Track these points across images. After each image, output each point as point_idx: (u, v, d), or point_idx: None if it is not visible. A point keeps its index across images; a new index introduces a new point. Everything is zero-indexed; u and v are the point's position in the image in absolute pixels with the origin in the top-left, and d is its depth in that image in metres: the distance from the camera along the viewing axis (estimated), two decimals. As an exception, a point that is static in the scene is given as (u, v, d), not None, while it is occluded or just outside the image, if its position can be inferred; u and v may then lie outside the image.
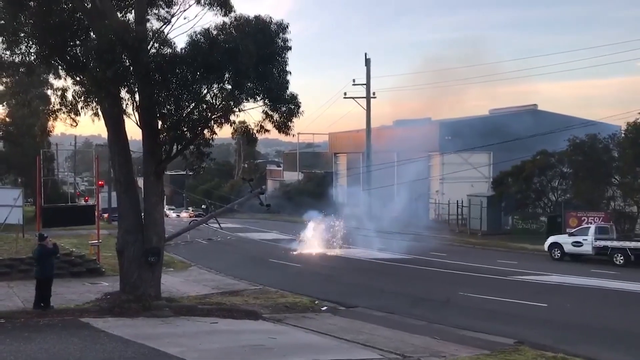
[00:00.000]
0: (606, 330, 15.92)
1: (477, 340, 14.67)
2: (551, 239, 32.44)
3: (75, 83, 16.58)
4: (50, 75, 18.64)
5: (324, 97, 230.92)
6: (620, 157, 36.97)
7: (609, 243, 29.86)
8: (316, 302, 19.25)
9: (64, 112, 16.71)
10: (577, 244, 30.72)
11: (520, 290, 21.68)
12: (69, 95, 16.65)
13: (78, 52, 16.32)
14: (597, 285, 23.14)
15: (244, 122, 16.89)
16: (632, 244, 29.43)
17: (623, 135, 37.47)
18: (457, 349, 13.77)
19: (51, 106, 17.63)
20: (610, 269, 27.45)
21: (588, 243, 30.36)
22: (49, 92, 44.05)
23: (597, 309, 18.89)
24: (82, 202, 50.19)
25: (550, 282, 24.14)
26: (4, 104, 50.88)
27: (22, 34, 15.75)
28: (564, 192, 41.24)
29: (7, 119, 51.25)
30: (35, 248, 16.17)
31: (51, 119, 17.67)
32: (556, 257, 31.38)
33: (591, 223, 33.75)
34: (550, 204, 41.49)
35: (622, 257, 29.01)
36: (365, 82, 48.98)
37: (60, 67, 16.84)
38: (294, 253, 33.21)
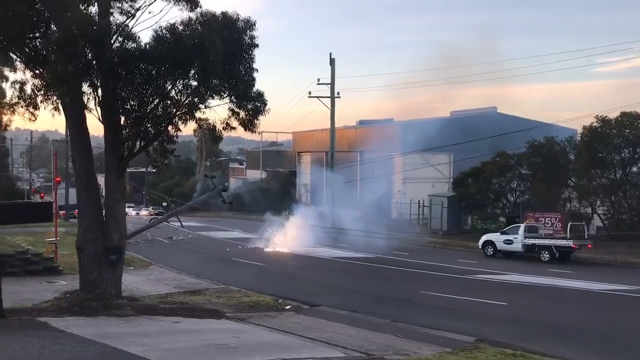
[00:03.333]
0: (563, 327, 16.38)
1: (438, 338, 14.90)
2: (485, 237, 34.00)
3: (35, 76, 16.11)
4: (6, 67, 18.04)
5: (289, 96, 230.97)
6: (577, 159, 38.05)
7: (536, 241, 31.54)
8: (280, 301, 19.23)
9: (22, 106, 16.23)
10: (509, 241, 32.29)
11: (480, 289, 22.12)
12: (28, 89, 16.18)
13: (38, 44, 15.89)
14: (554, 284, 23.78)
15: (206, 120, 16.71)
16: (557, 242, 31.21)
17: (579, 138, 38.57)
18: (419, 346, 13.96)
19: (8, 100, 17.09)
20: (567, 268, 28.27)
21: (518, 241, 31.94)
22: (4, 85, 42.91)
23: (554, 307, 19.42)
24: (38, 199, 48.93)
25: (510, 281, 24.70)
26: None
27: (-22, 25, 15.22)
28: (522, 193, 42.19)
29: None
30: None
31: (8, 113, 17.13)
32: (489, 254, 32.92)
33: (548, 223, 34.73)
34: (509, 205, 42.41)
35: (547, 254, 30.84)
36: (330, 82, 49.10)
37: (18, 59, 16.36)
38: (257, 252, 33.09)
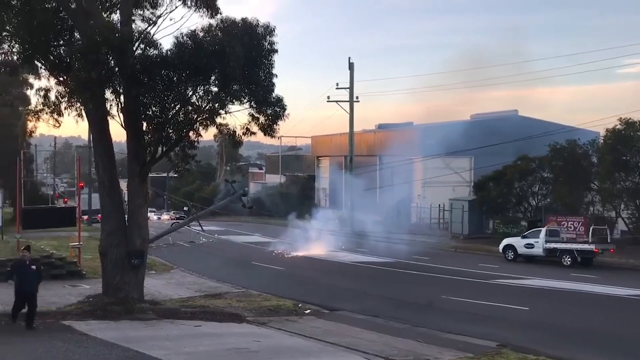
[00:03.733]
0: (587, 333, 16.16)
1: (460, 343, 14.80)
2: (505, 241, 33.63)
3: (59, 83, 16.41)
4: (32, 75, 18.40)
5: (307, 101, 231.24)
6: (600, 162, 37.53)
7: (558, 245, 31.17)
8: (299, 305, 19.26)
9: (47, 113, 16.53)
10: (530, 245, 31.92)
11: (502, 294, 21.91)
12: (52, 96, 16.50)
13: (62, 52, 16.18)
14: (577, 289, 23.44)
15: (226, 125, 16.84)
16: (579, 246, 30.78)
17: (602, 141, 38.04)
18: (440, 351, 13.88)
19: (34, 107, 17.43)
20: (590, 272, 27.88)
21: (539, 245, 31.54)
22: (29, 92, 43.72)
23: (578, 312, 19.17)
24: (62, 204, 49.63)
25: (532, 285, 24.42)
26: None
27: (5, 33, 15.55)
28: (544, 196, 41.70)
29: (-15, 119, 50.56)
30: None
31: (34, 119, 17.48)
32: (510, 258, 32.55)
33: (571, 227, 34.28)
34: (531, 209, 41.95)
35: (569, 258, 30.41)
36: (348, 86, 49.13)
37: (43, 67, 16.67)
38: (277, 256, 33.16)
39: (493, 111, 56.02)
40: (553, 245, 31.22)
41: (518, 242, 32.65)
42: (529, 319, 17.78)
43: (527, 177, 41.27)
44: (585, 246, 30.53)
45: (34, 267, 14.33)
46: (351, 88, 49.11)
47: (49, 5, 16.20)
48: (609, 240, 31.69)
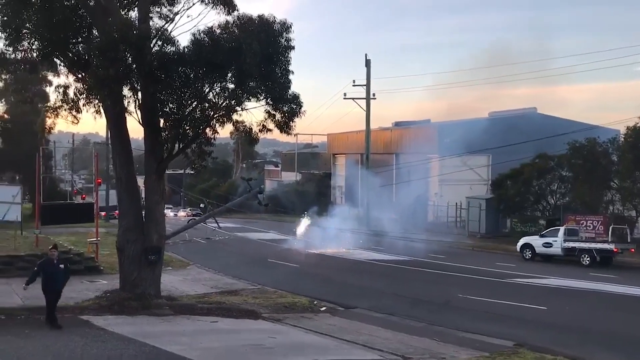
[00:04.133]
0: (605, 333, 15.94)
1: (476, 342, 14.69)
2: (523, 240, 33.39)
3: (77, 80, 16.56)
4: (50, 72, 18.58)
5: (323, 98, 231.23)
6: (620, 161, 37.01)
7: (576, 244, 30.87)
8: (315, 302, 19.24)
9: (65, 109, 16.69)
10: (548, 245, 31.70)
11: (519, 293, 21.70)
12: (71, 93, 16.65)
13: (80, 49, 16.31)
14: (596, 288, 23.16)
15: (243, 122, 16.87)
16: (598, 245, 30.46)
17: (622, 139, 37.50)
18: (456, 350, 13.78)
19: (52, 103, 17.62)
20: (610, 272, 27.54)
21: (558, 244, 31.33)
22: (48, 89, 44.22)
23: (596, 312, 18.94)
24: (80, 200, 50.12)
25: (550, 285, 24.18)
26: (3, 100, 50.88)
27: (25, 31, 15.71)
28: (562, 195, 41.26)
29: (6, 116, 51.22)
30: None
31: (52, 116, 17.65)
32: (527, 257, 32.32)
33: (590, 227, 33.87)
34: (549, 207, 41.53)
35: (588, 258, 30.11)
36: (365, 83, 48.98)
37: (62, 64, 16.83)
38: (293, 253, 33.19)
39: (512, 109, 55.53)
40: (572, 244, 30.93)
41: (536, 241, 32.41)
42: (546, 319, 17.59)
43: (545, 176, 40.84)
44: (605, 245, 30.22)
45: (62, 265, 14.03)
46: (368, 85, 48.96)
47: (68, 3, 16.37)
48: (629, 240, 31.30)
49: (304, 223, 38.54)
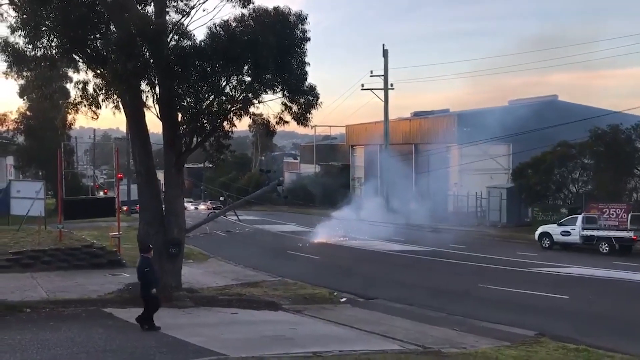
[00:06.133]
0: (628, 323, 15.77)
1: (497, 331, 14.63)
2: (541, 229, 33.42)
3: (96, 76, 16.68)
4: (70, 69, 18.77)
5: (341, 89, 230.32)
6: (643, 147, 36.41)
7: (595, 232, 30.78)
8: (335, 293, 19.31)
9: (85, 105, 16.81)
10: (566, 233, 31.69)
11: (541, 282, 21.53)
12: (90, 89, 16.73)
13: (99, 45, 16.43)
14: (618, 277, 22.89)
15: (260, 115, 16.89)
16: (617, 234, 30.29)
17: (646, 125, 36.85)
18: (477, 340, 13.74)
19: (72, 99, 17.77)
20: (632, 260, 27.17)
21: (576, 232, 31.31)
22: (69, 85, 44.54)
23: (619, 301, 18.70)
24: (102, 195, 50.75)
25: (571, 274, 23.93)
26: (25, 98, 51.61)
27: (44, 28, 15.88)
28: (585, 183, 40.71)
29: (28, 113, 51.96)
30: (139, 261, 13.35)
31: (72, 112, 17.84)
32: (545, 246, 32.37)
33: (612, 215, 33.41)
34: (571, 196, 41.02)
35: (607, 246, 30.08)
36: (382, 74, 48.74)
37: (81, 60, 16.95)
38: (312, 245, 33.29)
39: (531, 97, 54.83)
40: (590, 232, 30.87)
41: (554, 229, 32.38)
42: (568, 308, 17.44)
43: (567, 164, 40.31)
44: (624, 233, 30.06)
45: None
46: (385, 75, 48.71)
47: (86, 0, 16.49)
48: None
49: (330, 216, 38.53)
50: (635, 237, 29.53)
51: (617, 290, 20.71)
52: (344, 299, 18.61)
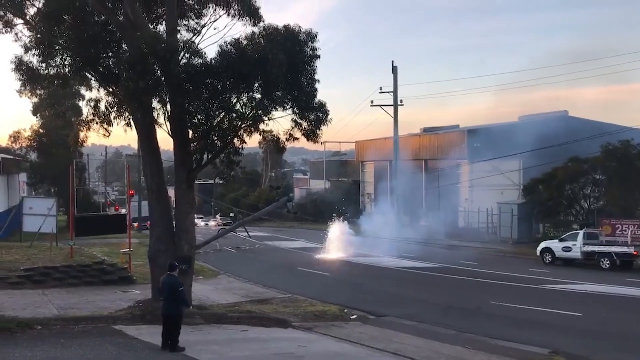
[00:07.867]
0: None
1: (509, 349, 14.45)
2: (543, 244, 33.63)
3: (108, 94, 16.90)
4: (82, 86, 19.01)
5: (350, 106, 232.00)
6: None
7: (596, 248, 30.80)
8: (345, 310, 19.18)
9: (97, 123, 17.03)
10: (567, 248, 31.82)
11: (554, 299, 21.30)
12: (102, 106, 16.98)
13: (111, 63, 16.66)
14: (633, 294, 22.59)
15: (270, 131, 16.97)
16: (617, 249, 30.27)
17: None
18: (489, 358, 13.60)
19: (84, 117, 18.00)
20: (631, 276, 26.85)
21: (577, 248, 31.38)
22: (81, 103, 45.15)
23: (634, 319, 18.43)
24: (113, 211, 51.01)
25: (585, 291, 23.66)
26: (38, 115, 52.23)
27: (57, 47, 16.11)
28: (596, 199, 40.40)
29: (41, 130, 52.55)
30: (163, 278, 12.97)
31: (84, 129, 18.07)
32: (547, 261, 32.49)
33: (625, 230, 33.15)
34: (583, 212, 40.69)
35: (608, 262, 30.07)
36: (392, 90, 48.88)
37: (93, 78, 17.19)
38: (322, 261, 33.18)
39: (541, 112, 54.69)
40: (591, 248, 30.88)
41: (556, 245, 32.49)
42: (582, 326, 17.22)
43: (578, 179, 40.02)
44: (624, 249, 30.01)
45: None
46: (395, 91, 48.84)
47: (98, 19, 16.75)
48: None
49: (334, 230, 38.48)
50: (636, 253, 29.53)
51: (632, 307, 20.42)
52: (354, 316, 18.49)
